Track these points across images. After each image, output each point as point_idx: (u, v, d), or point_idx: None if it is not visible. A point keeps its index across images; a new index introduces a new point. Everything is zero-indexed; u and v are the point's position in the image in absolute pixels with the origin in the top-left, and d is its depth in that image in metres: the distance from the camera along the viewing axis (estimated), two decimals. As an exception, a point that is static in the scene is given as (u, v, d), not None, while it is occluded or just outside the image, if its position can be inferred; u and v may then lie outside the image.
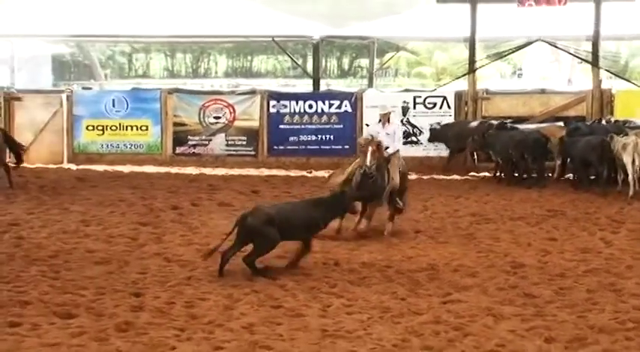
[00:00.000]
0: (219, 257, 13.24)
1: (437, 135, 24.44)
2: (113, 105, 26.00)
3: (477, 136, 22.93)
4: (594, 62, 24.77)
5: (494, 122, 23.66)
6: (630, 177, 20.40)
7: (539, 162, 21.95)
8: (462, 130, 23.79)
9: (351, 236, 15.99)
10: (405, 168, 17.09)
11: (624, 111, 23.84)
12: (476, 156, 24.18)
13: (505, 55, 31.44)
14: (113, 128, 25.96)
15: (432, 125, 24.50)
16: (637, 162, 20.45)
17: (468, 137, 23.24)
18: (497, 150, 22.60)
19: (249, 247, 13.36)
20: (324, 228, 14.29)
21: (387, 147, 16.37)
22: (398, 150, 16.64)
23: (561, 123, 23.27)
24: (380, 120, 16.85)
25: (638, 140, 20.57)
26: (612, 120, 23.04)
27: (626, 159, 20.44)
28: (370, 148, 15.83)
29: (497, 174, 22.99)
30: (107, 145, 25.98)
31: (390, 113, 16.99)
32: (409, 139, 24.34)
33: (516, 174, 22.33)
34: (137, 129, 25.88)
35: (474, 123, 23.87)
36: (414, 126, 24.42)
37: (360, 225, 16.18)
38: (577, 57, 28.73)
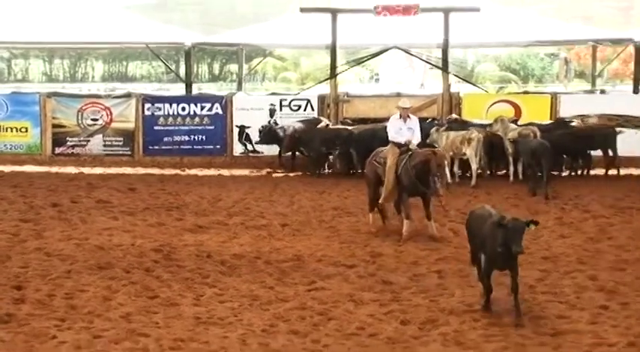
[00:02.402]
0: None
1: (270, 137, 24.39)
2: (-6, 108, 25.52)
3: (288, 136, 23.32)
4: (444, 68, 25.18)
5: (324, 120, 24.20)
6: (473, 168, 20.93)
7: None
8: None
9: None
10: None
11: (471, 112, 24.32)
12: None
13: (363, 61, 31.72)
14: (-7, 129, 25.49)
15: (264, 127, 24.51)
16: (479, 156, 21.00)
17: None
18: (311, 146, 23.07)
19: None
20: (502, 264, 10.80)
21: (410, 141, 15.77)
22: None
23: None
24: (400, 116, 16.15)
25: (480, 136, 21.12)
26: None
27: (470, 152, 20.98)
28: (446, 162, 15.44)
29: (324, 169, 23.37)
30: (-12, 146, 25.50)
31: (410, 108, 16.46)
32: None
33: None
34: (17, 131, 25.42)
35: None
36: (279, 127, 24.42)
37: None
38: (428, 63, 29.21)
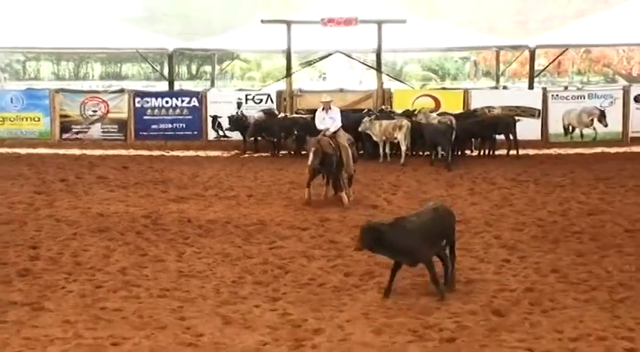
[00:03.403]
0: None
1: (238, 125, 24.08)
2: (11, 102, 25.11)
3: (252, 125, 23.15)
4: (378, 68, 25.18)
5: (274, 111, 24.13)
6: (403, 149, 20.97)
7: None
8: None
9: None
10: (350, 141, 16.41)
11: (400, 104, 24.31)
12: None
13: (313, 63, 31.62)
14: (12, 119, 25.06)
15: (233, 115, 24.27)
16: (407, 140, 21.05)
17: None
18: (271, 132, 22.97)
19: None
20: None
21: (328, 128, 15.87)
22: (340, 128, 16.02)
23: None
24: (323, 108, 16.15)
25: (409, 124, 21.16)
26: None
27: (400, 136, 21.03)
28: (313, 148, 15.31)
29: (275, 151, 23.20)
30: (7, 133, 25.05)
31: (331, 102, 16.35)
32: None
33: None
34: (31, 120, 25.08)
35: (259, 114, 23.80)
36: (245, 116, 24.27)
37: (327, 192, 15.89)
38: (365, 65, 29.18)
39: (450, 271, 10.00)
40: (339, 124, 16.16)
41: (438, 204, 10.44)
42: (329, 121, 16.08)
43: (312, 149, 15.38)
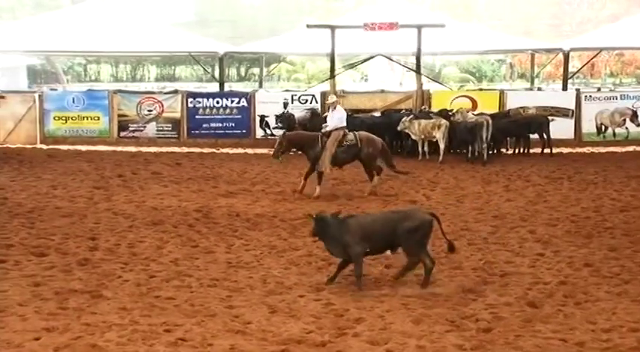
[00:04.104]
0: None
1: (288, 123, 23.93)
2: (73, 102, 25.36)
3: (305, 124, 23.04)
4: (417, 71, 25.01)
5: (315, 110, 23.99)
6: (441, 147, 20.80)
7: None
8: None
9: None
10: (360, 138, 16.24)
11: (438, 105, 24.10)
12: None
13: (355, 66, 31.58)
14: (73, 118, 25.30)
15: (281, 114, 24.19)
16: (445, 138, 20.87)
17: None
18: (315, 130, 22.75)
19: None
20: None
21: (326, 126, 16.38)
22: (339, 128, 16.16)
23: None
24: (329, 108, 16.69)
25: (447, 123, 20.97)
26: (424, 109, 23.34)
27: (439, 135, 20.85)
28: (278, 139, 16.28)
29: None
30: (69, 131, 25.30)
31: (335, 102, 16.62)
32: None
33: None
34: (91, 119, 25.31)
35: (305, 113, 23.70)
36: (292, 115, 24.25)
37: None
38: (405, 67, 28.96)
39: (427, 272, 9.69)
40: (339, 124, 16.32)
41: (410, 208, 10.54)
42: (329, 120, 16.48)
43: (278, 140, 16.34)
